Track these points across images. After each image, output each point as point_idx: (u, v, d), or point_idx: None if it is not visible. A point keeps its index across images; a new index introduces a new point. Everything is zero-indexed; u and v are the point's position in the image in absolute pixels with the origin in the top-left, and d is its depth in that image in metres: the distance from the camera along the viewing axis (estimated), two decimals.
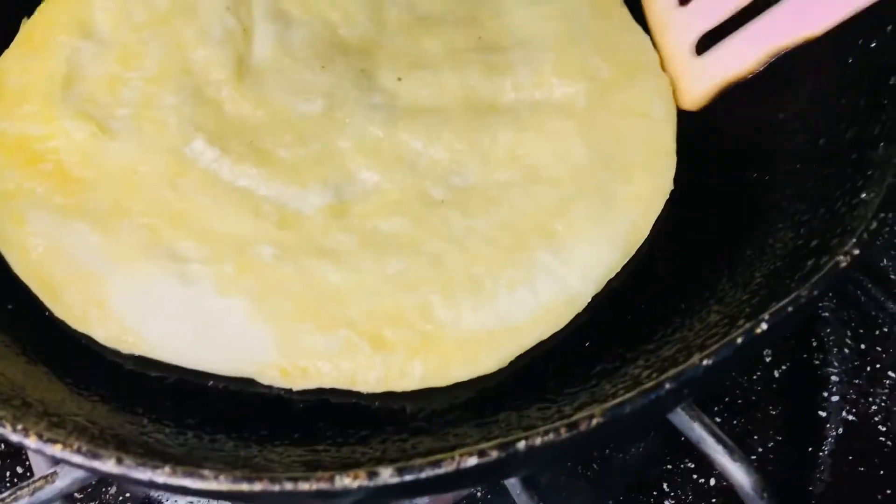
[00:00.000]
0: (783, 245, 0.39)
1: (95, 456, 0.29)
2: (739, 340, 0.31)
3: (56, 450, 0.29)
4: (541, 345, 0.39)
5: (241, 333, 0.38)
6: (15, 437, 0.29)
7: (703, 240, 0.42)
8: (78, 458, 0.29)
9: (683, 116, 0.46)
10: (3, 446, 0.48)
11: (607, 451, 0.47)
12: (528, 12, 0.47)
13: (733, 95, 0.45)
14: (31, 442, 0.29)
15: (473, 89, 0.44)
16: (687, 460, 0.47)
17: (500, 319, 0.38)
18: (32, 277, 0.40)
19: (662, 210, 0.43)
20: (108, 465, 0.29)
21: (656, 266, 0.42)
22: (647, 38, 0.47)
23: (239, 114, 0.43)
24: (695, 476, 0.47)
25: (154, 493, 0.47)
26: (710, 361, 0.30)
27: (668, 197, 0.42)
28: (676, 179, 0.44)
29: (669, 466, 0.47)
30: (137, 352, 0.38)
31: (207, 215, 0.40)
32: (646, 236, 0.41)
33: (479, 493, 0.46)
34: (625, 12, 0.48)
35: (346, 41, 0.46)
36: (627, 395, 0.29)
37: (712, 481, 0.47)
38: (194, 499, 0.44)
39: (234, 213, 0.40)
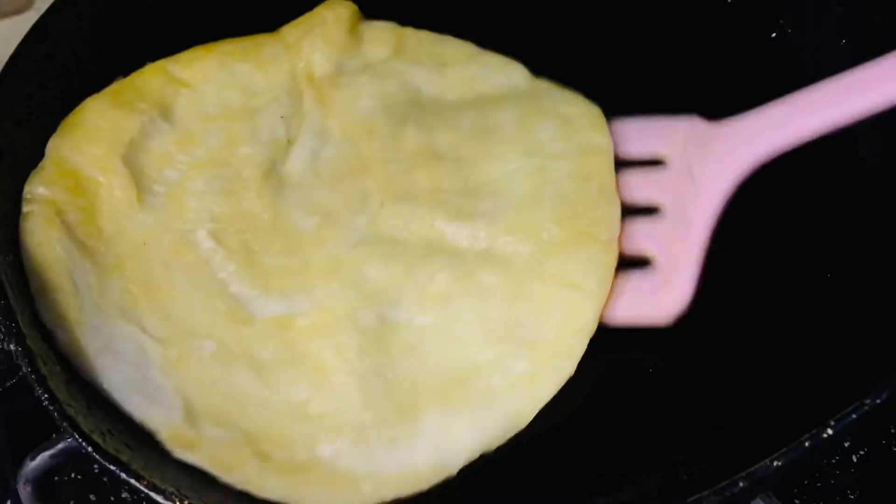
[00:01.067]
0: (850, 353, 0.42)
1: None
2: (808, 444, 0.34)
3: None
4: None
5: (164, 398, 0.42)
6: None
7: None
8: None
9: None
10: None
11: None
12: (517, 163, 0.48)
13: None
14: None
15: (437, 231, 0.47)
16: None
17: (370, 468, 0.41)
18: (36, 264, 0.44)
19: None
20: None
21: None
22: (617, 209, 0.46)
23: (250, 212, 0.48)
24: None
25: None
26: (781, 462, 0.34)
27: (562, 383, 0.43)
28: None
29: None
30: (85, 374, 0.42)
31: (178, 297, 0.45)
32: (528, 422, 0.42)
33: None
34: (608, 178, 0.47)
35: (361, 158, 0.50)
36: (705, 492, 0.33)
37: None
38: None
39: (200, 302, 0.45)
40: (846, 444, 0.52)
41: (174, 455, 0.41)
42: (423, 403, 0.42)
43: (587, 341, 0.43)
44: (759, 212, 0.48)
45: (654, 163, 0.49)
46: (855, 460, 0.52)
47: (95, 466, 0.55)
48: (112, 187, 0.47)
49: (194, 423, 0.41)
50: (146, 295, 0.45)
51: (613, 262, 0.45)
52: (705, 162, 0.45)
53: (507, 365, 0.43)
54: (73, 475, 0.55)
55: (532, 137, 0.49)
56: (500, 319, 0.44)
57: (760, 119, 0.44)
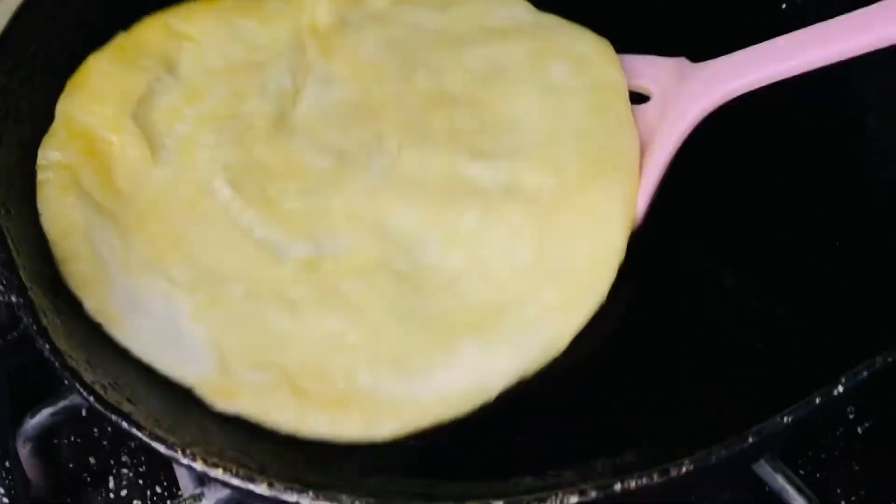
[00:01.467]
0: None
1: (250, 479, 0.34)
2: (818, 401, 0.34)
3: (217, 473, 0.34)
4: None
5: (196, 352, 0.42)
6: (185, 461, 0.35)
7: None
8: (235, 481, 0.34)
9: None
10: (144, 468, 0.54)
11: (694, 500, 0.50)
12: (534, 102, 0.49)
13: None
14: (197, 465, 0.34)
15: (459, 171, 0.47)
16: None
17: (409, 394, 0.41)
18: (56, 234, 0.44)
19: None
20: (261, 488, 0.34)
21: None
22: (636, 139, 0.47)
23: (262, 160, 0.48)
24: None
25: None
26: (791, 419, 0.33)
27: (594, 309, 0.43)
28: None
29: None
30: (114, 334, 0.42)
31: (204, 245, 0.45)
32: (564, 347, 0.43)
33: None
34: (624, 109, 0.48)
35: (372, 102, 0.50)
36: (714, 447, 0.33)
37: None
38: None
39: (225, 248, 0.45)
40: (851, 416, 0.52)
41: (215, 408, 0.41)
42: (460, 333, 0.43)
43: (616, 268, 0.44)
44: (764, 173, 0.49)
45: (640, 98, 0.50)
46: (860, 432, 0.52)
47: (95, 429, 0.55)
48: (125, 146, 0.47)
49: (230, 372, 0.41)
50: (171, 246, 0.45)
51: (637, 189, 0.46)
52: (677, 97, 0.47)
53: (539, 296, 0.43)
54: (72, 438, 0.55)
55: (545, 75, 0.50)
56: (530, 254, 0.44)
57: (736, 58, 0.46)
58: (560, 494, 0.32)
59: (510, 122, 0.48)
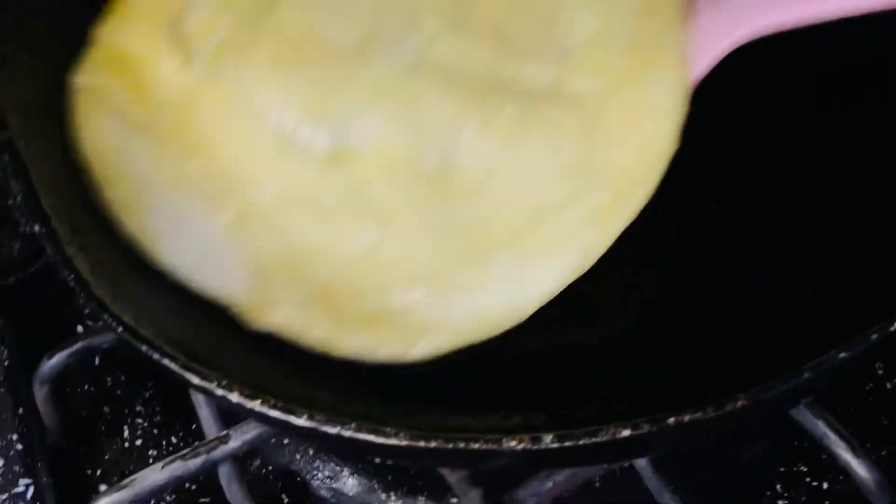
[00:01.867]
0: None
1: (290, 412, 0.33)
2: (874, 337, 0.33)
3: (255, 404, 0.33)
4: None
5: (232, 269, 0.41)
6: (219, 392, 0.33)
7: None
8: (274, 413, 0.33)
9: None
10: (159, 418, 0.53)
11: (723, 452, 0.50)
12: (583, 2, 0.46)
13: None
14: (233, 396, 0.33)
15: (500, 67, 0.44)
16: (800, 464, 0.49)
17: (444, 315, 0.39)
18: (94, 160, 0.43)
19: None
20: (301, 420, 0.33)
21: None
22: (682, 41, 0.45)
23: (278, 26, 0.45)
24: (808, 479, 0.49)
25: (294, 466, 0.51)
26: (847, 354, 0.32)
27: (639, 209, 0.41)
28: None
29: (783, 469, 0.49)
30: (148, 252, 0.41)
31: (229, 147, 0.43)
32: (602, 253, 0.41)
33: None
34: (670, 11, 0.46)
35: None
36: (769, 382, 0.32)
37: (825, 484, 0.49)
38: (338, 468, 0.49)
39: (248, 145, 0.43)
40: (880, 372, 0.52)
41: (250, 327, 0.39)
42: (496, 246, 0.41)
43: (666, 163, 0.41)
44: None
45: None
46: (889, 388, 0.51)
47: (109, 378, 0.54)
48: (161, 60, 0.45)
49: (265, 288, 0.40)
50: (200, 154, 0.43)
51: (687, 79, 0.43)
52: (702, 26, 0.44)
53: (583, 198, 0.41)
54: (86, 387, 0.54)
55: None
56: (575, 154, 0.42)
57: None
58: (612, 427, 0.31)
59: (558, 22, 0.46)
